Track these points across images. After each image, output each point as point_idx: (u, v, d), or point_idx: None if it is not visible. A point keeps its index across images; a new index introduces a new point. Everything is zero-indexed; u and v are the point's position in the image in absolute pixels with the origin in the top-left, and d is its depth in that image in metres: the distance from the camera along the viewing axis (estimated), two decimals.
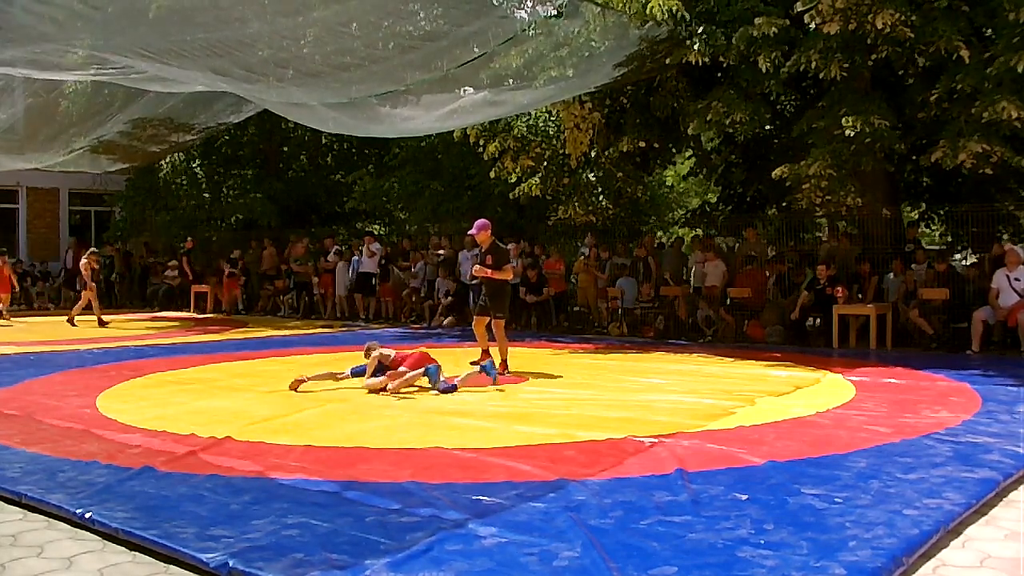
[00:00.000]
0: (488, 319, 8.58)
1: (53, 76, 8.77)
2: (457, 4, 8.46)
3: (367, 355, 7.46)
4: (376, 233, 18.57)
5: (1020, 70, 8.58)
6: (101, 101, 10.45)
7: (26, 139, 11.10)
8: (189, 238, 19.98)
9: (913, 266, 11.46)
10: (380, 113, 10.42)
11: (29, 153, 12.07)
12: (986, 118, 8.89)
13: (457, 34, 8.58)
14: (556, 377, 8.18)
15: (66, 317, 15.37)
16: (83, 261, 15.58)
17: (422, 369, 7.25)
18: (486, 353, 8.41)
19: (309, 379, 7.34)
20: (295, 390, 7.17)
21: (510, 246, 14.88)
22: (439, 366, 7.31)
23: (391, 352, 7.52)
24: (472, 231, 8.56)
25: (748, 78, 10.41)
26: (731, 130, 10.79)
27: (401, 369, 7.26)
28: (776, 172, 10.78)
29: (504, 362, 8.36)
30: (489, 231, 8.47)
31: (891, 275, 11.59)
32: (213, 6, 7.41)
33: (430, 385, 7.19)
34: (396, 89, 9.78)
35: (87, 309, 15.22)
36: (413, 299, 15.90)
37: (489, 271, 8.33)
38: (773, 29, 9.50)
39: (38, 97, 9.60)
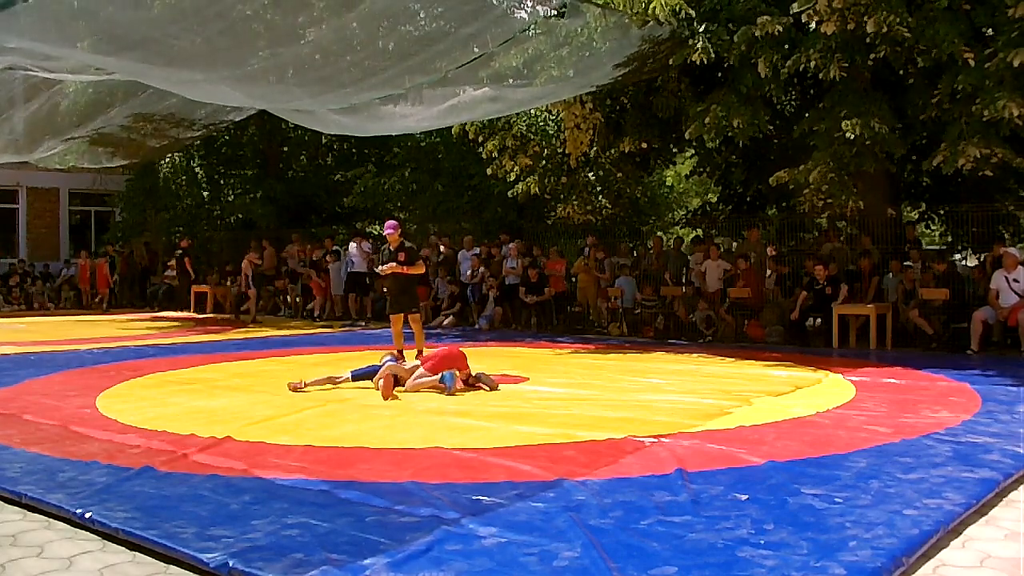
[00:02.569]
0: (404, 316, 8.97)
1: (53, 76, 8.79)
2: (457, 5, 8.47)
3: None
4: (372, 233, 18.55)
5: (1016, 64, 8.56)
6: (101, 98, 10.43)
7: (25, 134, 11.10)
8: (185, 238, 19.99)
9: (908, 263, 11.46)
10: (380, 112, 10.44)
11: (27, 149, 12.08)
12: (987, 116, 8.87)
13: (457, 36, 8.59)
14: (556, 377, 8.18)
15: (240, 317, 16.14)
16: (244, 262, 16.07)
17: (438, 376, 7.22)
18: (401, 353, 8.59)
19: (308, 384, 7.30)
20: (294, 391, 7.17)
21: (511, 245, 14.97)
22: (454, 373, 7.23)
23: (407, 366, 7.52)
24: (387, 231, 9.03)
25: (748, 83, 10.40)
26: (730, 134, 10.78)
27: (419, 371, 7.26)
28: (773, 178, 10.78)
29: (420, 352, 8.63)
30: (399, 232, 9.00)
31: (890, 275, 11.60)
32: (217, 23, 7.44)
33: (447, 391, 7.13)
34: (397, 92, 9.83)
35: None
36: None
37: (404, 268, 8.83)
38: (777, 28, 9.48)
39: (38, 92, 9.59)
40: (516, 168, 13.44)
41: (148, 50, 7.59)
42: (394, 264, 8.85)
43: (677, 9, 9.37)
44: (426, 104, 10.37)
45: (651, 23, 9.59)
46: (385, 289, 9.40)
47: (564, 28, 10.10)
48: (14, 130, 10.85)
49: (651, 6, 9.22)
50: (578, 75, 10.20)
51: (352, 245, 16.15)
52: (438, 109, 10.53)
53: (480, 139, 13.41)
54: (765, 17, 9.55)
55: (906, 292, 11.25)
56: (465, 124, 13.02)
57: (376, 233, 19.32)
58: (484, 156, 13.60)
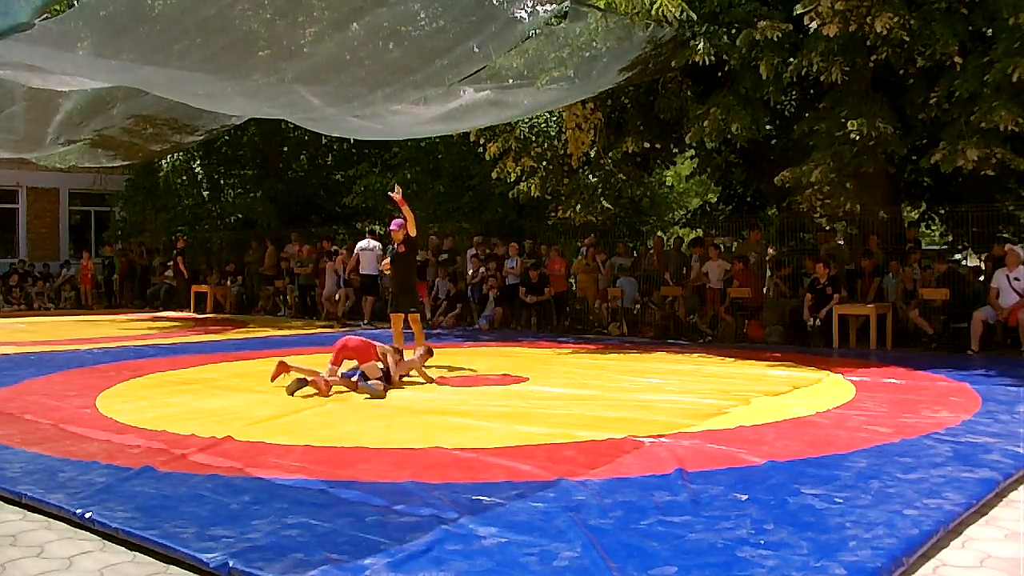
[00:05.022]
0: (404, 315, 9.03)
1: (55, 85, 8.81)
2: (459, 17, 8.46)
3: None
4: (375, 231, 18.53)
5: (1015, 79, 8.58)
6: (102, 97, 10.41)
7: (25, 133, 11.08)
8: (182, 237, 20.03)
9: (911, 266, 11.46)
10: (383, 111, 10.43)
11: (28, 147, 12.08)
12: (984, 126, 8.88)
13: (459, 50, 8.60)
14: (556, 377, 8.18)
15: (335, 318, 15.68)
16: (338, 257, 15.99)
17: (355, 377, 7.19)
18: (400, 352, 8.59)
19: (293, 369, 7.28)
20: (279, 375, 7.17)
21: (511, 244, 14.98)
22: (363, 372, 7.19)
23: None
24: (392, 227, 9.18)
25: (748, 85, 10.41)
26: (729, 136, 10.78)
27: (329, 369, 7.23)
28: (778, 178, 10.76)
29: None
30: (403, 230, 9.09)
31: (890, 275, 11.60)
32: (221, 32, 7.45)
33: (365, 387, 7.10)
34: (401, 103, 9.89)
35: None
36: None
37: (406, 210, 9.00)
38: (777, 34, 9.50)
39: (38, 91, 9.58)
40: (518, 170, 13.44)
41: (151, 65, 7.61)
42: (387, 262, 9.12)
43: (679, 13, 9.39)
44: (428, 104, 10.38)
45: (653, 25, 9.59)
46: (388, 288, 9.54)
47: (565, 31, 10.10)
48: (14, 128, 10.83)
49: (655, 7, 9.22)
50: (581, 78, 10.18)
51: (369, 242, 15.84)
52: (442, 112, 10.54)
53: (482, 141, 13.41)
54: (765, 22, 9.56)
55: (905, 291, 11.25)
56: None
57: (376, 231, 19.34)
58: (487, 158, 13.59)
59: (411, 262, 9.44)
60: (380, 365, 7.29)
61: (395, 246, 9.11)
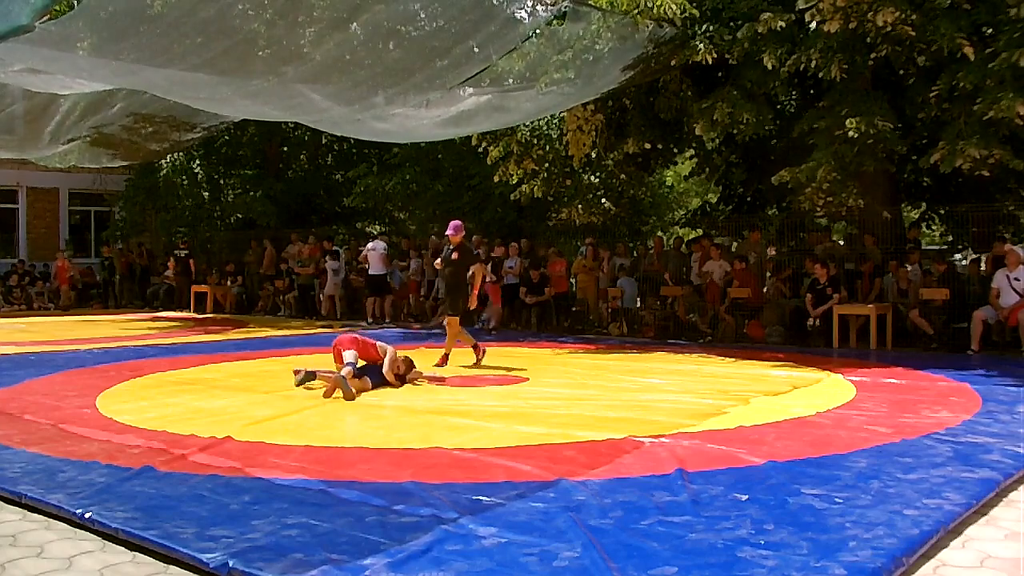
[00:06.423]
0: (457, 317, 9.14)
1: (57, 89, 8.82)
2: (458, 16, 8.46)
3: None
4: (382, 232, 18.58)
5: (1022, 64, 8.54)
6: (102, 96, 10.42)
7: (25, 133, 11.08)
8: (183, 242, 20.06)
9: (907, 266, 11.47)
10: (385, 113, 10.44)
11: (28, 148, 12.09)
12: (989, 115, 8.85)
13: (459, 50, 8.60)
14: (556, 377, 8.18)
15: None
16: (364, 254, 15.92)
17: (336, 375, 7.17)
18: (477, 348, 8.99)
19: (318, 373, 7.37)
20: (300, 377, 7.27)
21: (510, 244, 14.98)
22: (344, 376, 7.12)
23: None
24: (449, 231, 9.21)
25: (752, 79, 10.40)
26: (735, 131, 10.77)
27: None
28: (776, 178, 10.77)
29: (445, 356, 8.96)
30: (460, 234, 9.16)
31: (890, 275, 11.61)
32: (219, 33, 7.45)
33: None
34: (403, 106, 9.92)
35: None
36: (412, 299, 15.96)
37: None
38: (780, 24, 9.50)
39: (38, 92, 9.58)
40: (520, 172, 13.44)
41: (153, 67, 7.62)
42: (440, 261, 9.32)
43: (683, 9, 9.40)
44: (430, 108, 10.38)
45: (653, 25, 9.59)
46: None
47: (566, 31, 10.09)
48: (14, 128, 10.83)
49: (658, 5, 9.21)
50: (582, 80, 10.18)
51: (378, 243, 15.81)
52: (445, 117, 10.54)
53: (484, 144, 13.41)
54: (768, 13, 9.57)
55: (901, 291, 11.25)
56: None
57: (375, 232, 19.39)
58: (489, 163, 13.60)
59: (461, 270, 9.37)
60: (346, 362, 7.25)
61: (450, 249, 9.19)
